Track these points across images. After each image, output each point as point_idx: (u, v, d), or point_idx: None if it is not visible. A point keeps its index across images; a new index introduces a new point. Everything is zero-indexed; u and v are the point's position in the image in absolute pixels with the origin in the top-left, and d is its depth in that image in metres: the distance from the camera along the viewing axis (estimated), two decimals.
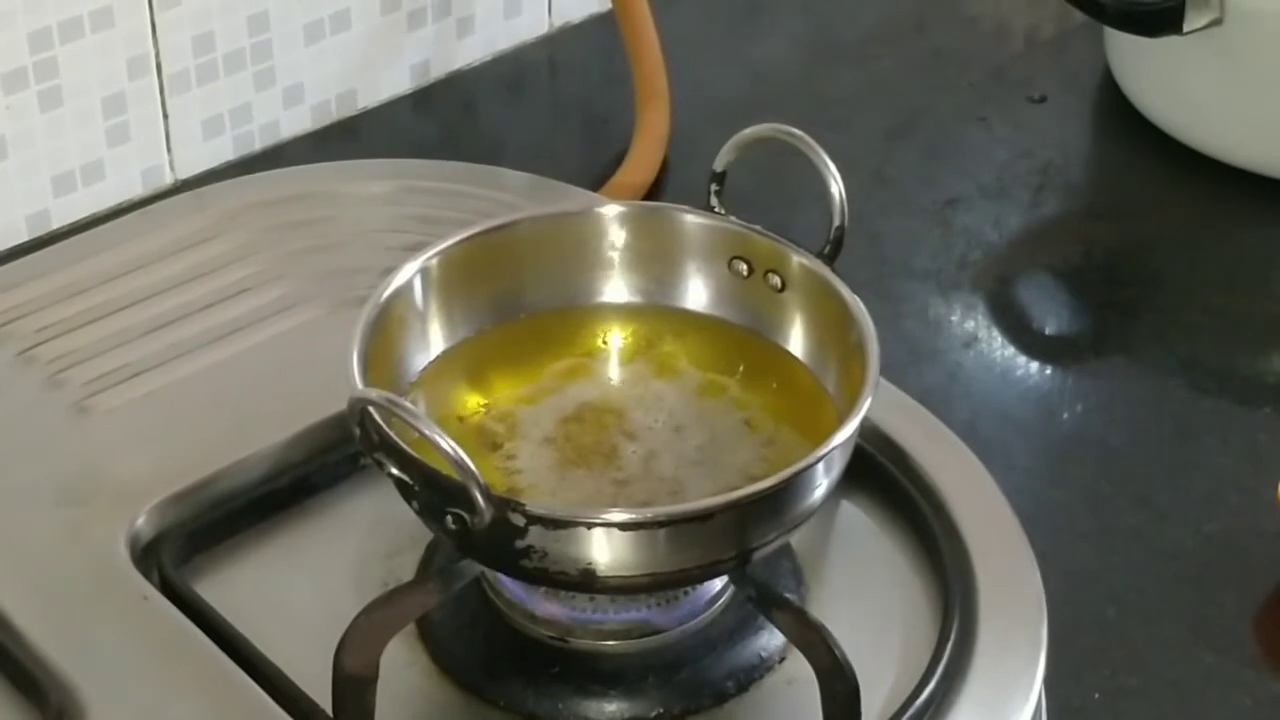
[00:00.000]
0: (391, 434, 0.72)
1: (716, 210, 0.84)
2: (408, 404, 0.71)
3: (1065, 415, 0.98)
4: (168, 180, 1.08)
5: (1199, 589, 0.88)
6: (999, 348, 1.02)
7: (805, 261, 0.82)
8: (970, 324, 1.03)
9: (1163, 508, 0.92)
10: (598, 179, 1.08)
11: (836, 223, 0.81)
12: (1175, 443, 0.96)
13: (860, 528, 0.85)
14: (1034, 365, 1.01)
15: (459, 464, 0.70)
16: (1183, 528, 0.91)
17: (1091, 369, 1.02)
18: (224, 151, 1.10)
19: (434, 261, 0.82)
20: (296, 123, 1.12)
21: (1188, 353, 1.02)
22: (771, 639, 0.79)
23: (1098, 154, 1.18)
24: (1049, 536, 0.85)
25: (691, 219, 0.85)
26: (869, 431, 0.85)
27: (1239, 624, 0.86)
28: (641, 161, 1.09)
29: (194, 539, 0.83)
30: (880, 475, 0.86)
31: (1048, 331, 1.05)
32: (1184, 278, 1.07)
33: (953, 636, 0.79)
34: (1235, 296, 1.05)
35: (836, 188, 0.81)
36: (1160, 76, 1.13)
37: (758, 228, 0.84)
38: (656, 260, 0.85)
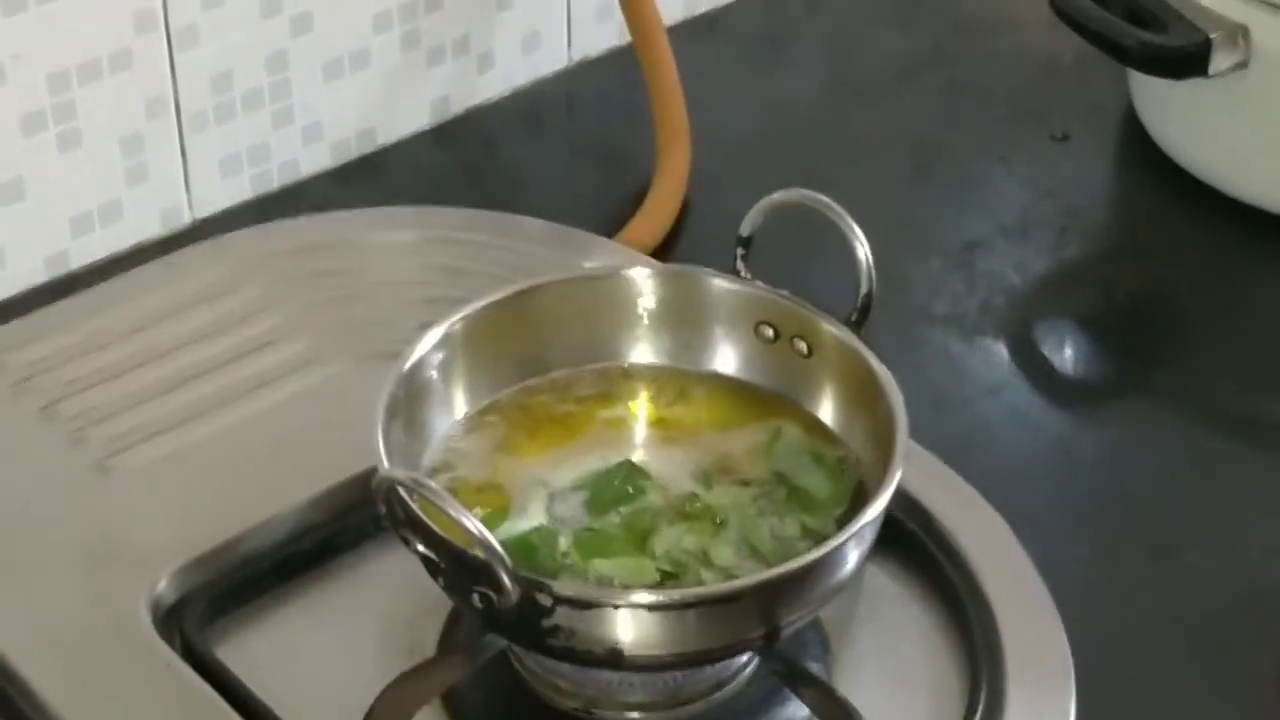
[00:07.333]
0: (418, 511, 0.72)
1: (743, 274, 0.84)
2: (433, 485, 0.71)
3: (1087, 464, 0.97)
4: (185, 220, 1.08)
5: (1223, 646, 0.87)
6: (1021, 395, 1.01)
7: (833, 329, 0.81)
8: (993, 370, 1.02)
9: (1186, 562, 0.91)
10: (617, 217, 1.08)
11: (864, 290, 0.81)
12: (1199, 494, 0.95)
13: (886, 593, 0.85)
14: (1056, 413, 1.01)
15: (485, 545, 0.69)
16: (1206, 583, 0.90)
17: (1116, 416, 1.01)
18: (242, 190, 1.09)
19: (458, 326, 0.82)
20: (316, 160, 1.12)
21: (1211, 400, 1.01)
22: (798, 709, 0.79)
23: (1121, 195, 1.17)
24: (1071, 591, 0.85)
25: (718, 283, 0.84)
26: (894, 495, 0.85)
27: (1263, 682, 0.86)
28: (661, 205, 1.09)
29: (217, 602, 0.83)
30: (906, 540, 0.85)
31: (1071, 377, 1.04)
32: (1209, 323, 1.06)
33: (980, 707, 0.79)
34: (1261, 342, 1.04)
35: (863, 253, 0.80)
36: (1185, 119, 1.12)
37: (785, 293, 0.83)
38: (683, 323, 0.85)
